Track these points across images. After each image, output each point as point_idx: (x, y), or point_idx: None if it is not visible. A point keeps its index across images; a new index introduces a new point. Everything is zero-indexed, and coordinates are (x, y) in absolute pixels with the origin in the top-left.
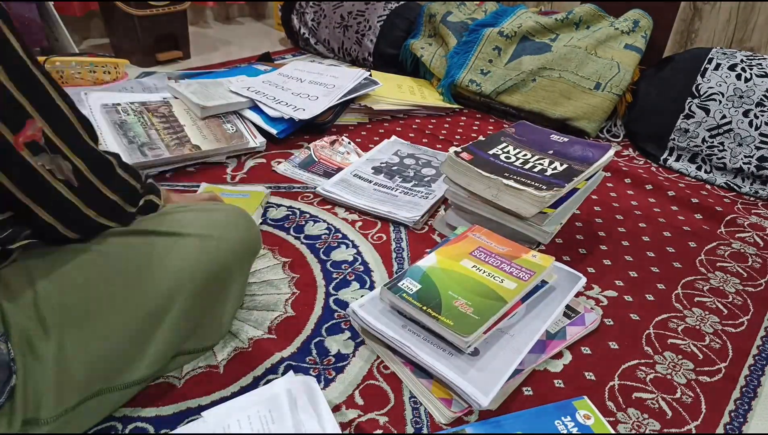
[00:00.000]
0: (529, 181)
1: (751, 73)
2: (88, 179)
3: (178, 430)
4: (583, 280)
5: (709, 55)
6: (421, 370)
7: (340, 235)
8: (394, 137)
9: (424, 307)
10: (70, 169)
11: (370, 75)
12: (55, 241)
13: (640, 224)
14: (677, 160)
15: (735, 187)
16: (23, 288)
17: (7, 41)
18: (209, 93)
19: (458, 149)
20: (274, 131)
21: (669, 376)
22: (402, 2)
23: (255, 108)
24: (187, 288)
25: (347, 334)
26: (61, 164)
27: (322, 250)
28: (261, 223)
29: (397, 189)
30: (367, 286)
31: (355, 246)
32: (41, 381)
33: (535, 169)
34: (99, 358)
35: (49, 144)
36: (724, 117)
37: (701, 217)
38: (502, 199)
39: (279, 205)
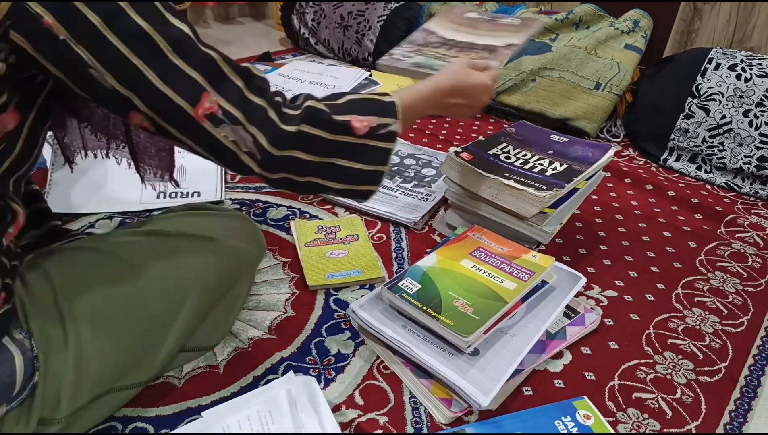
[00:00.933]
0: (529, 181)
1: (751, 73)
2: (269, 152)
3: (178, 430)
4: (583, 280)
5: (709, 55)
6: (421, 370)
7: None
8: None
9: (424, 307)
10: (251, 141)
11: (370, 75)
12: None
13: (640, 224)
14: (677, 160)
15: (735, 187)
16: (43, 289)
17: (168, 20)
18: None
19: (458, 149)
20: None
21: (669, 376)
22: (402, 2)
23: None
24: (197, 289)
25: (347, 334)
26: (242, 135)
27: None
28: (261, 223)
29: (397, 189)
30: (367, 286)
31: None
32: (60, 380)
33: (535, 169)
34: (112, 357)
35: (228, 116)
36: (724, 117)
37: (701, 217)
38: (502, 199)
39: (279, 205)
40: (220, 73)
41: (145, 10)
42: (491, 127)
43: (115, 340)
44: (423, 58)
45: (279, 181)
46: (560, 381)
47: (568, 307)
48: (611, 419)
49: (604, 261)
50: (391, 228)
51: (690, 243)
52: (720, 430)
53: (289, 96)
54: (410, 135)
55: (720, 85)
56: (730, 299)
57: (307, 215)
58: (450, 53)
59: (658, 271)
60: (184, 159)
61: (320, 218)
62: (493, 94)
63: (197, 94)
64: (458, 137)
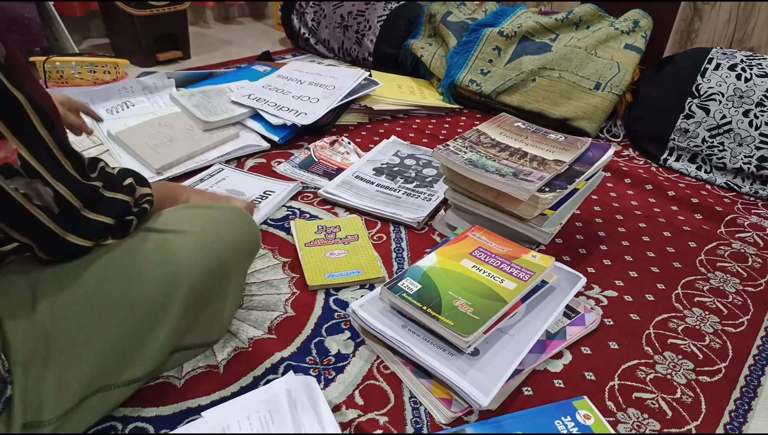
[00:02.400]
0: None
1: (751, 73)
2: (71, 205)
3: (178, 430)
4: (583, 280)
5: (709, 55)
6: (421, 370)
7: None
8: (393, 137)
9: (424, 307)
10: (51, 195)
11: (370, 75)
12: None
13: (640, 224)
14: (677, 160)
15: (735, 187)
16: (22, 292)
17: None
18: (211, 105)
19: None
20: (275, 138)
21: (669, 376)
22: (402, 2)
23: (256, 116)
24: (185, 284)
25: (347, 334)
26: (40, 190)
27: None
28: (262, 223)
29: (399, 190)
30: (367, 286)
31: None
32: (43, 385)
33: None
34: (99, 356)
35: (27, 168)
36: (724, 117)
37: (701, 217)
38: (501, 200)
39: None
40: (27, 121)
41: None
42: None
43: (101, 339)
44: (476, 156)
45: (66, 246)
46: (560, 381)
47: (568, 307)
48: (611, 419)
49: (604, 261)
50: (391, 228)
51: (690, 243)
52: (720, 430)
53: (287, 101)
54: (410, 135)
55: (720, 85)
56: (730, 299)
57: (307, 215)
58: (502, 155)
59: (658, 271)
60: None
61: (320, 218)
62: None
63: None
64: None
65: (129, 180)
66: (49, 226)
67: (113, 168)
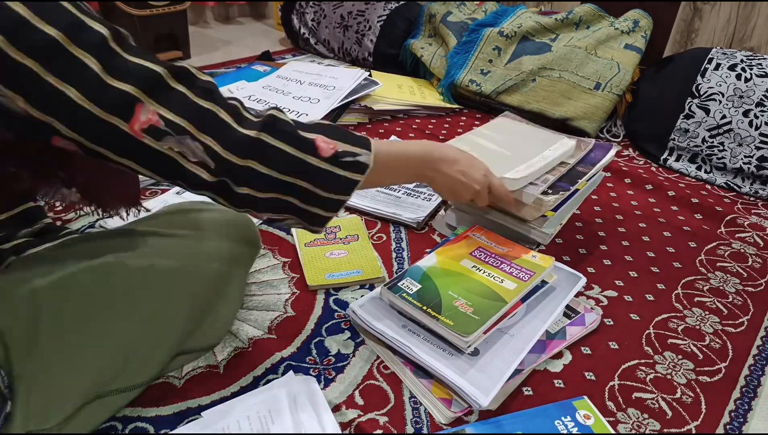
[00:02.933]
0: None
1: (751, 73)
2: (224, 159)
3: (178, 430)
4: (583, 280)
5: (709, 55)
6: (421, 370)
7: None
8: (393, 137)
9: (424, 307)
10: (201, 150)
11: (370, 75)
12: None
13: (640, 224)
14: (677, 160)
15: (735, 187)
16: (22, 302)
17: (86, 26)
18: None
19: None
20: None
21: (669, 376)
22: (402, 2)
23: None
24: (185, 289)
25: (347, 334)
26: (191, 145)
27: None
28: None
29: (399, 190)
30: (367, 286)
31: None
32: (45, 395)
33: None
34: (101, 365)
35: (172, 126)
36: (724, 117)
37: (701, 217)
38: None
39: None
40: (155, 78)
41: (53, 16)
42: None
43: (102, 346)
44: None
45: (239, 198)
46: (560, 381)
47: (568, 307)
48: (611, 419)
49: (604, 261)
50: (391, 228)
51: (690, 243)
52: (720, 430)
53: (287, 101)
54: (410, 135)
55: (720, 85)
56: (730, 299)
57: None
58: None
59: (658, 271)
60: None
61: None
62: (479, 201)
63: (130, 106)
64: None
65: (311, 135)
66: (211, 181)
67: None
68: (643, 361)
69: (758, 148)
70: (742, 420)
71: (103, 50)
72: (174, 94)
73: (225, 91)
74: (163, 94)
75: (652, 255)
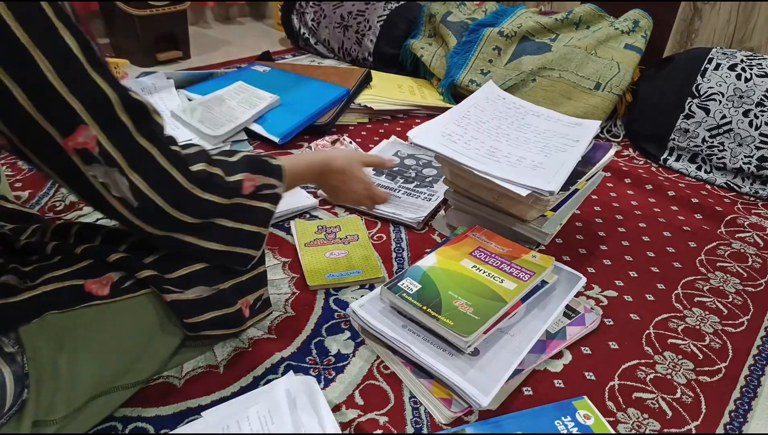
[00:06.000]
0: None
1: (751, 73)
2: (149, 199)
3: (178, 430)
4: (583, 280)
5: (709, 55)
6: (421, 370)
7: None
8: (393, 137)
9: (424, 307)
10: (126, 186)
11: (370, 75)
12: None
13: (640, 224)
14: (677, 160)
15: (735, 187)
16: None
17: (56, 32)
18: (214, 117)
19: None
20: (276, 139)
21: (669, 376)
22: (402, 2)
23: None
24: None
25: (347, 334)
26: (117, 180)
27: None
28: None
29: (399, 190)
30: (367, 286)
31: None
32: (54, 386)
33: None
34: (109, 360)
35: (104, 155)
36: (724, 117)
37: (701, 217)
38: (502, 201)
39: None
40: (106, 103)
41: (27, 17)
42: None
43: (110, 341)
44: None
45: (158, 239)
46: (560, 381)
47: (568, 307)
48: (611, 419)
49: (604, 261)
50: (391, 228)
51: (690, 243)
52: (720, 430)
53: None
54: None
55: (720, 85)
56: (730, 299)
57: (307, 215)
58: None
59: (658, 271)
60: None
61: (320, 218)
62: (366, 203)
63: (73, 124)
64: None
65: (239, 176)
66: (129, 218)
67: (232, 155)
68: (643, 361)
69: (758, 148)
70: (742, 420)
71: (64, 59)
72: (119, 124)
73: (221, 96)
74: (108, 121)
75: (652, 255)
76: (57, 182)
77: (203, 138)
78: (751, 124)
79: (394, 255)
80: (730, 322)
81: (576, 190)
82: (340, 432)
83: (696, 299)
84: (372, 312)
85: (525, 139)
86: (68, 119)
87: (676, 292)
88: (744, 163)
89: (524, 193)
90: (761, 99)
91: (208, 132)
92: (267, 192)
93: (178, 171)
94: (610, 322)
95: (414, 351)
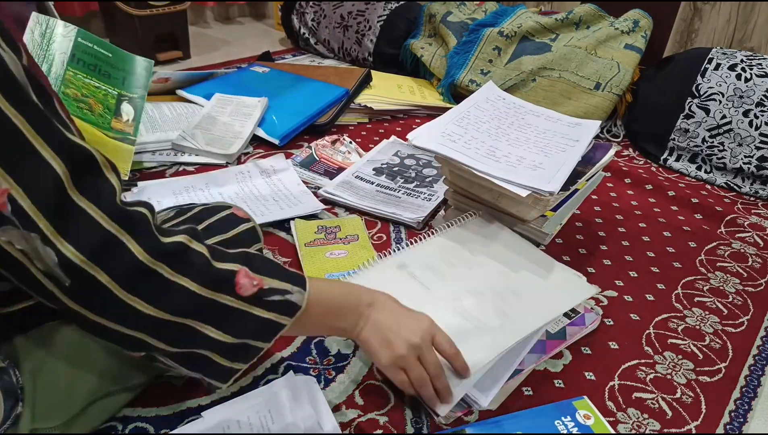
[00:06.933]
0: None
1: (751, 73)
2: (87, 274)
3: (178, 430)
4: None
5: (709, 55)
6: None
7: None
8: (393, 137)
9: None
10: (54, 261)
11: (370, 75)
12: None
13: (640, 224)
14: (677, 160)
15: (735, 187)
16: None
17: None
18: (218, 137)
19: None
20: (276, 141)
21: (669, 376)
22: (402, 2)
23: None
24: None
25: None
26: (38, 249)
27: None
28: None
29: (399, 190)
30: None
31: None
32: (52, 393)
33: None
34: (107, 363)
35: (20, 215)
36: (724, 117)
37: (701, 217)
38: (502, 201)
39: None
40: (28, 148)
41: None
42: None
43: (110, 346)
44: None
45: (92, 326)
46: (560, 381)
47: None
48: (611, 419)
49: (604, 261)
50: (391, 228)
51: (690, 243)
52: (720, 430)
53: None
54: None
55: (720, 85)
56: (730, 299)
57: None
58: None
59: (658, 271)
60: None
61: (320, 218)
62: (412, 366)
63: None
64: None
65: (232, 266)
66: (64, 301)
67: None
68: (643, 361)
69: (758, 148)
70: (742, 420)
71: None
72: (45, 172)
73: (208, 114)
74: (28, 169)
75: (652, 255)
76: None
77: (218, 158)
78: (751, 124)
79: None
80: (730, 322)
81: (576, 190)
82: (340, 432)
83: (696, 299)
84: None
85: (525, 139)
86: None
87: (676, 292)
88: (744, 163)
89: (524, 193)
90: (761, 99)
91: (222, 151)
92: (276, 298)
93: (134, 239)
94: (610, 322)
95: None
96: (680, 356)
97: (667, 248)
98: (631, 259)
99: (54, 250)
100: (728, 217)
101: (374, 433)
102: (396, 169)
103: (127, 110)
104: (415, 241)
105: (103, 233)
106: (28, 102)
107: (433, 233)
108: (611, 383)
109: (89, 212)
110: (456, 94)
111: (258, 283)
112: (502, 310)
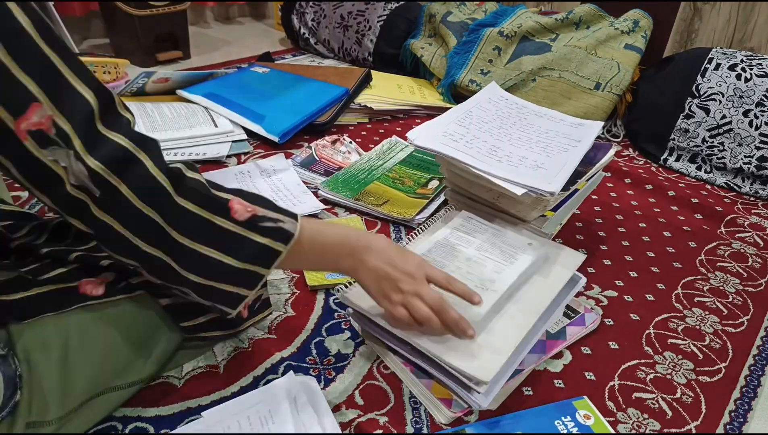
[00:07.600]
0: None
1: (751, 73)
2: (112, 186)
3: (178, 430)
4: (583, 280)
5: (709, 55)
6: (421, 370)
7: None
8: (394, 137)
9: None
10: (85, 174)
11: (370, 75)
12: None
13: (640, 224)
14: (677, 160)
15: (735, 187)
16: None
17: (7, 10)
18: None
19: None
20: (275, 138)
21: (669, 376)
22: (402, 2)
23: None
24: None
25: (347, 334)
26: (73, 165)
27: None
28: None
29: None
30: None
31: None
32: (47, 386)
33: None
34: (104, 360)
35: (63, 137)
36: (724, 117)
37: (701, 217)
38: (502, 201)
39: None
40: (64, 82)
41: None
42: None
43: (105, 341)
44: None
45: (119, 245)
46: (560, 381)
47: (568, 307)
48: (611, 419)
49: (604, 261)
50: (391, 228)
51: (690, 243)
52: (720, 430)
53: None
54: None
55: (720, 85)
56: (730, 299)
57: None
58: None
59: (658, 271)
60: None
61: (320, 218)
62: (414, 304)
63: (24, 103)
64: None
65: (227, 195)
66: (93, 210)
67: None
68: (643, 361)
69: (758, 148)
70: (742, 420)
71: (15, 38)
72: (80, 102)
73: (200, 113)
74: (68, 99)
75: (652, 255)
76: (15, 178)
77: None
78: (751, 124)
79: None
80: (730, 322)
81: (576, 190)
82: (340, 432)
83: (696, 299)
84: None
85: (527, 139)
86: (18, 98)
87: (676, 292)
88: (744, 163)
89: (519, 191)
90: (761, 99)
91: (216, 155)
92: (269, 224)
93: (149, 157)
94: (610, 322)
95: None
96: (680, 356)
97: (667, 248)
98: (631, 259)
99: (84, 165)
100: (728, 217)
101: (374, 433)
102: None
103: None
104: (409, 240)
105: (123, 151)
106: (62, 46)
107: (419, 233)
108: (611, 383)
109: (112, 137)
110: (456, 94)
111: (252, 210)
112: (509, 295)
